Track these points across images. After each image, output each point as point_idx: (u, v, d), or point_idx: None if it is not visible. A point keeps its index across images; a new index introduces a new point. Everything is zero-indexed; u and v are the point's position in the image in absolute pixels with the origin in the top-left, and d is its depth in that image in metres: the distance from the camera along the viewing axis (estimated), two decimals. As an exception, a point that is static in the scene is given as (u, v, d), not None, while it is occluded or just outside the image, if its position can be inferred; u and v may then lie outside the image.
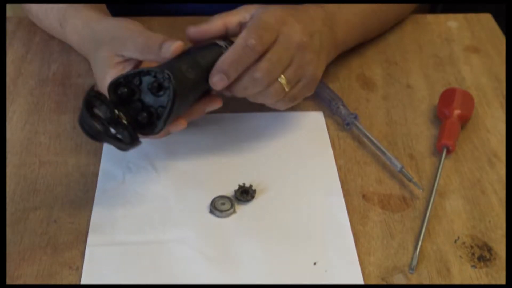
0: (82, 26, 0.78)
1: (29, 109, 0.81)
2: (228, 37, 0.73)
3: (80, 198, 0.71)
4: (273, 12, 0.71)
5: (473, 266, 0.67)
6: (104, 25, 0.74)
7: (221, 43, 0.71)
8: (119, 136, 0.64)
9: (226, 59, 0.68)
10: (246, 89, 0.70)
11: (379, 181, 0.74)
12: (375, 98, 0.85)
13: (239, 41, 0.68)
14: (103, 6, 0.85)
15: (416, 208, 0.72)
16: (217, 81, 0.68)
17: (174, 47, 0.67)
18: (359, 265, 0.66)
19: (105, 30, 0.73)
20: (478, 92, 0.87)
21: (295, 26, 0.72)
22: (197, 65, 0.68)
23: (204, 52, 0.70)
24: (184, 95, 0.66)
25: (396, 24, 0.96)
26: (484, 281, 0.66)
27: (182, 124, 0.69)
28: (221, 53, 0.69)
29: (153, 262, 0.66)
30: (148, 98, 0.66)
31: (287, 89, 0.71)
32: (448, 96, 0.82)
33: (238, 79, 0.69)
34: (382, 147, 0.76)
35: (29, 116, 0.80)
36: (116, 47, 0.71)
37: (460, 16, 1.00)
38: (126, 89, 0.65)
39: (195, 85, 0.68)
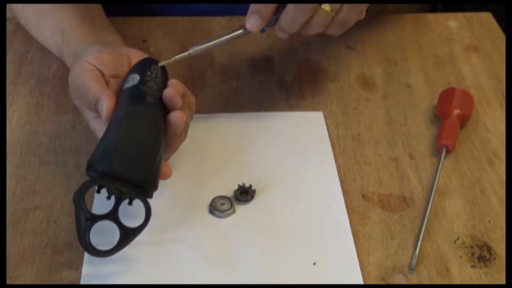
0: (71, 65, 0.77)
1: (29, 109, 0.81)
2: None
3: (80, 198, 0.71)
4: None
5: (473, 266, 0.67)
6: (71, 73, 0.72)
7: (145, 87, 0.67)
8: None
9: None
10: (294, 20, 0.70)
11: (378, 181, 0.74)
12: (375, 98, 0.85)
13: None
14: (99, 16, 0.85)
15: (415, 208, 0.72)
16: (253, 23, 0.70)
17: (105, 111, 0.66)
18: (358, 265, 0.66)
19: (71, 80, 0.72)
20: (478, 91, 0.87)
21: None
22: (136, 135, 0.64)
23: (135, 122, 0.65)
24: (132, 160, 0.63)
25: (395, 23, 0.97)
26: (484, 281, 0.65)
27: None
28: (152, 111, 0.66)
29: (153, 262, 0.66)
30: None
31: (332, 14, 0.72)
32: (447, 96, 0.82)
33: (284, 12, 0.70)
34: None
35: (29, 116, 0.80)
36: (78, 100, 0.71)
37: (460, 15, 1.00)
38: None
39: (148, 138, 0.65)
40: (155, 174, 0.64)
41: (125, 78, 0.69)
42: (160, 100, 0.67)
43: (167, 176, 0.68)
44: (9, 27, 0.92)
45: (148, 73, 0.68)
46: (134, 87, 0.67)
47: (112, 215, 0.62)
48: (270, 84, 0.86)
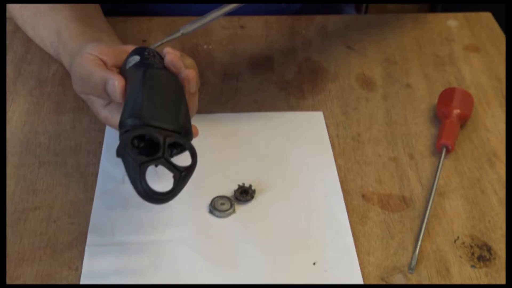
0: (68, 65, 0.77)
1: (29, 109, 0.81)
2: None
3: (80, 198, 0.71)
4: None
5: (473, 266, 0.67)
6: (74, 65, 0.72)
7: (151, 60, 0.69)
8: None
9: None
10: None
11: (378, 181, 0.74)
12: (375, 98, 0.85)
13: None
14: (97, 16, 0.84)
15: (415, 208, 0.72)
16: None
17: (117, 88, 0.66)
18: (358, 265, 0.66)
19: (74, 71, 0.71)
20: (478, 91, 0.87)
21: None
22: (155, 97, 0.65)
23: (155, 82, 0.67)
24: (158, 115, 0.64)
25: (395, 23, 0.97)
26: (484, 281, 0.65)
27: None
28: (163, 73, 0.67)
29: (153, 262, 0.66)
30: None
31: None
32: (447, 96, 0.82)
33: None
34: None
35: (28, 116, 0.80)
36: (85, 89, 0.70)
37: (460, 15, 1.00)
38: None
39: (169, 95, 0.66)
40: (187, 122, 0.65)
41: (125, 62, 0.69)
42: (165, 69, 0.68)
43: (194, 135, 0.68)
44: (9, 27, 0.92)
45: (146, 53, 0.69)
46: (137, 63, 0.68)
47: (162, 157, 0.61)
48: (270, 84, 0.86)
